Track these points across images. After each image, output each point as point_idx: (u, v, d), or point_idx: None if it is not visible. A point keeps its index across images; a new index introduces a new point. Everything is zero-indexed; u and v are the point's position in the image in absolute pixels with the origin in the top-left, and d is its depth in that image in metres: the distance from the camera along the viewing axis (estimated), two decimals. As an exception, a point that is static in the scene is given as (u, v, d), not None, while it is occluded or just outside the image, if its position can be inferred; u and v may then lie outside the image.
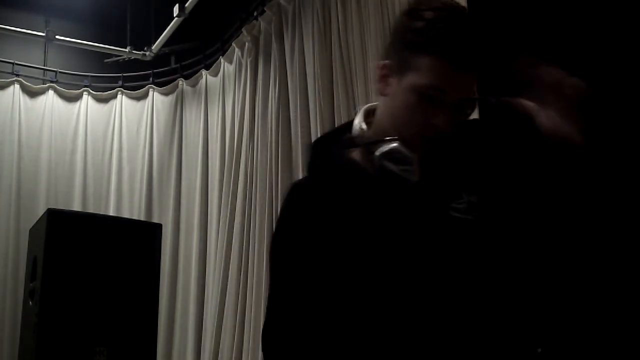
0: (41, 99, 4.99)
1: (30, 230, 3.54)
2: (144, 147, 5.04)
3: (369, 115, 1.30)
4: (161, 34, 4.85)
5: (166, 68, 5.30)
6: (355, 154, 1.25)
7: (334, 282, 1.15)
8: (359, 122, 1.29)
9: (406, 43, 1.20)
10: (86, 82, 5.17)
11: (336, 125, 3.43)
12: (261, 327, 3.95)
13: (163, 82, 5.25)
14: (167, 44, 4.99)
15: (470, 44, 1.15)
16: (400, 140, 1.17)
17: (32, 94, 4.99)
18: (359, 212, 1.18)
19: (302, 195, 1.26)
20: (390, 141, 1.18)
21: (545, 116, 1.14)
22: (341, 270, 1.15)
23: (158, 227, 3.56)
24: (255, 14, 4.48)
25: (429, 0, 1.20)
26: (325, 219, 1.18)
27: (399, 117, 1.20)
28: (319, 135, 1.39)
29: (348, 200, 1.19)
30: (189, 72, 5.19)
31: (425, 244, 1.16)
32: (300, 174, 3.74)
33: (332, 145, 1.30)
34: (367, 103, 3.59)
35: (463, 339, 1.13)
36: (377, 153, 1.18)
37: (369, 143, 1.21)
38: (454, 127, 1.18)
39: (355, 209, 1.18)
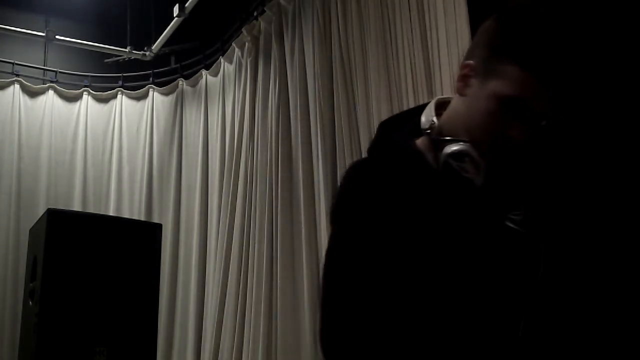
0: (41, 99, 4.99)
1: (30, 230, 3.54)
2: (144, 147, 5.04)
3: (439, 108, 1.29)
4: (161, 34, 4.85)
5: (166, 68, 5.30)
6: (421, 144, 1.26)
7: (387, 274, 1.16)
8: (430, 114, 1.27)
9: (496, 48, 1.17)
10: (86, 82, 5.17)
11: (337, 131, 3.44)
12: (261, 327, 3.91)
13: (163, 82, 5.25)
14: (167, 44, 4.99)
15: (563, 63, 1.13)
16: (471, 143, 1.18)
17: (32, 94, 4.99)
18: (418, 206, 1.18)
19: (363, 179, 1.25)
20: (461, 142, 1.18)
21: None
22: (394, 264, 1.16)
23: (158, 227, 3.57)
24: (255, 14, 4.48)
25: (527, 7, 1.17)
26: (384, 208, 1.18)
27: (475, 121, 1.19)
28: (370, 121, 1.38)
29: (408, 191, 1.19)
30: (189, 72, 5.19)
31: (475, 247, 1.16)
32: (300, 174, 3.74)
33: (397, 130, 1.29)
34: (366, 103, 3.59)
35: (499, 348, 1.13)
36: (446, 151, 1.18)
37: (439, 139, 1.21)
38: (527, 140, 1.18)
39: (415, 201, 1.18)
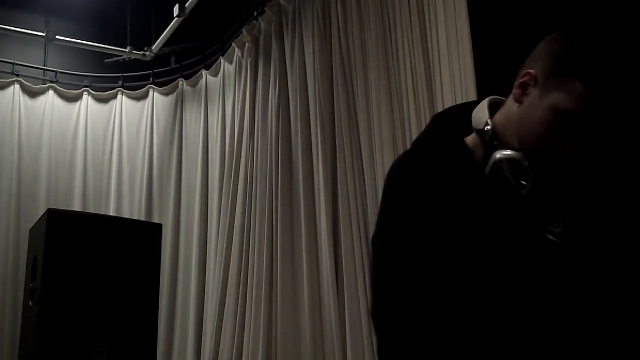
0: (41, 99, 4.99)
1: (30, 230, 3.54)
2: (144, 147, 5.04)
3: (491, 108, 1.30)
4: (161, 34, 4.85)
5: (166, 68, 5.30)
6: (470, 141, 1.27)
7: (431, 263, 1.19)
8: (483, 114, 1.28)
9: (562, 62, 1.19)
10: (86, 82, 5.17)
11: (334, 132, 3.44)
12: (261, 327, 3.90)
13: (163, 82, 5.25)
14: (167, 44, 4.99)
15: (624, 88, 1.17)
16: (522, 152, 1.20)
17: (32, 94, 4.99)
18: (463, 203, 1.20)
19: (415, 169, 1.27)
20: (513, 149, 1.20)
21: None
22: (438, 255, 1.18)
23: (158, 227, 3.56)
24: (255, 14, 4.48)
25: (596, 31, 1.19)
26: (432, 199, 1.21)
27: (527, 129, 1.21)
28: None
29: (456, 187, 1.21)
30: (189, 72, 5.19)
31: (515, 254, 1.18)
32: (300, 175, 3.74)
33: (449, 124, 1.31)
34: (366, 103, 3.59)
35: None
36: (497, 155, 1.20)
37: (491, 142, 1.23)
38: (574, 156, 1.20)
39: (461, 198, 1.21)
